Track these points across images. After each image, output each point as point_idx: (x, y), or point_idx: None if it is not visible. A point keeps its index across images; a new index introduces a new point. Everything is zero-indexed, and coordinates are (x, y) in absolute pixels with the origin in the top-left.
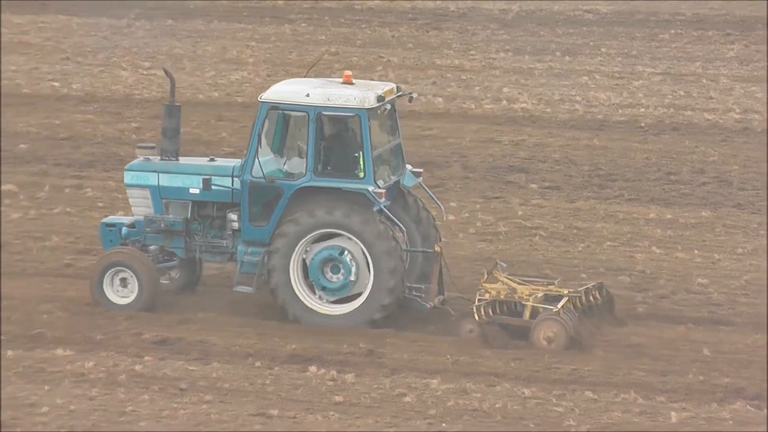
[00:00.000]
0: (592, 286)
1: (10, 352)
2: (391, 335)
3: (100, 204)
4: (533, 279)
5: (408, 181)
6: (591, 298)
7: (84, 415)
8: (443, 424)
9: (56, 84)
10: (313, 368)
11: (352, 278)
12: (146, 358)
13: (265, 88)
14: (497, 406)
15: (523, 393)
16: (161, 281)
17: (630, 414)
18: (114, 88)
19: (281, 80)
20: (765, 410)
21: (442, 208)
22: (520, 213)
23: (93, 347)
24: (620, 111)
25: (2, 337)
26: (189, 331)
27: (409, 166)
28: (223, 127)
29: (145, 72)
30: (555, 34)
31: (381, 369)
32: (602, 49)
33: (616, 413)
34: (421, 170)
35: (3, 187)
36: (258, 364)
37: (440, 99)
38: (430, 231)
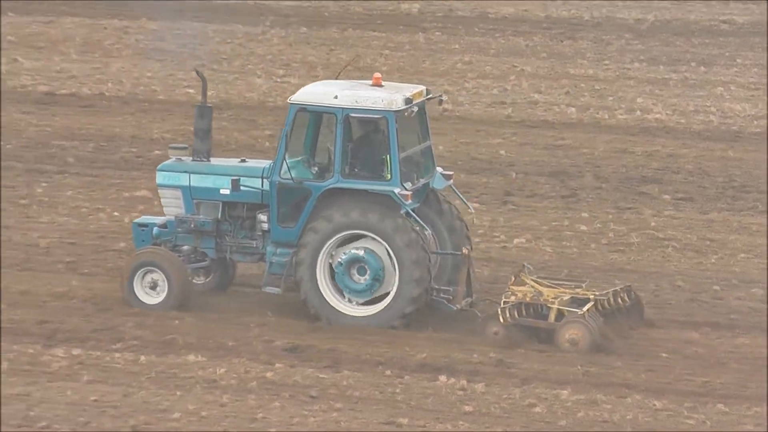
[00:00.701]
0: (621, 288)
1: (143, 358)
2: (522, 345)
3: None
4: (561, 282)
5: (438, 184)
6: (619, 300)
7: (215, 421)
8: None
9: (191, 91)
10: (443, 377)
11: (379, 279)
12: (277, 365)
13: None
14: (628, 417)
15: (654, 405)
16: (196, 281)
17: (762, 428)
18: (248, 95)
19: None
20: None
21: (472, 210)
22: (652, 224)
23: (225, 353)
24: (755, 122)
25: (135, 342)
26: (320, 338)
27: (439, 169)
28: None
29: (278, 80)
30: (690, 44)
31: (511, 379)
32: (738, 60)
33: (747, 426)
34: (451, 173)
35: (137, 193)
36: (388, 372)
37: (573, 109)
38: (462, 241)
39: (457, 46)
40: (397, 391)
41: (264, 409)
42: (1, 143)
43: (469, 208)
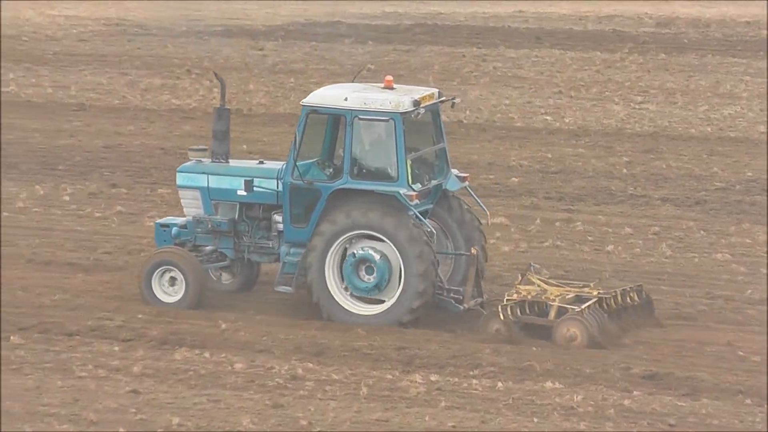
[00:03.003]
0: (630, 288)
1: (500, 384)
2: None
3: (590, 238)
4: (570, 282)
5: (452, 185)
6: (627, 299)
7: None
8: None
9: (548, 118)
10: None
11: (384, 280)
12: (635, 392)
13: (757, 123)
14: None
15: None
16: (221, 281)
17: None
18: (606, 122)
19: None
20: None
21: (487, 212)
22: None
23: (582, 380)
24: None
25: (492, 369)
26: (678, 365)
27: (455, 171)
28: (715, 162)
29: (636, 106)
30: None
31: None
32: None
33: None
34: (466, 174)
35: (495, 220)
36: (748, 401)
37: None
38: (473, 233)
39: None
40: (757, 420)
41: None
42: None
43: (483, 209)
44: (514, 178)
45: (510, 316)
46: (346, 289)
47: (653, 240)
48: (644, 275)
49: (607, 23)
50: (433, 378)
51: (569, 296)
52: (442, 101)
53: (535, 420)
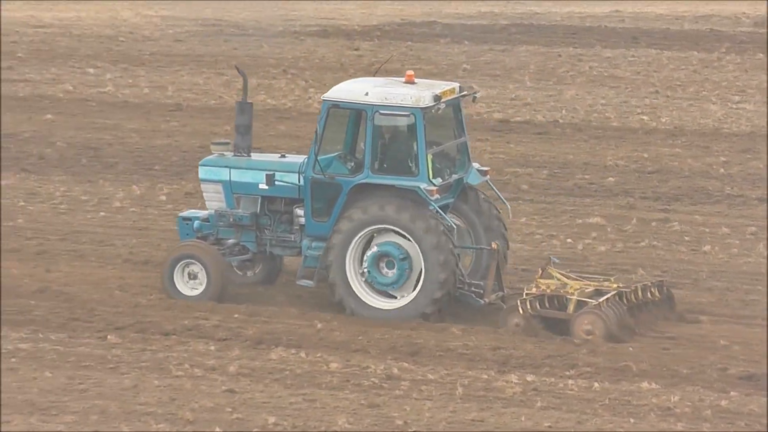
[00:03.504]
0: (651, 283)
1: (596, 384)
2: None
3: (686, 238)
4: (591, 276)
5: (473, 179)
6: (648, 294)
7: None
8: None
9: (645, 117)
10: None
11: (404, 276)
12: (732, 393)
13: None
14: None
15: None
16: (242, 274)
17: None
18: (702, 122)
19: None
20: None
21: (509, 207)
22: None
23: (679, 381)
24: None
25: (588, 369)
26: None
27: (476, 165)
28: None
29: (734, 106)
30: None
31: None
32: None
33: None
34: (487, 168)
35: (590, 220)
36: None
37: None
38: (492, 222)
39: None
40: None
41: None
42: None
43: (505, 203)
44: (610, 178)
45: (529, 310)
46: (362, 275)
47: (750, 240)
48: (741, 275)
49: (704, 23)
50: (528, 378)
51: (588, 290)
52: (463, 95)
53: (632, 420)
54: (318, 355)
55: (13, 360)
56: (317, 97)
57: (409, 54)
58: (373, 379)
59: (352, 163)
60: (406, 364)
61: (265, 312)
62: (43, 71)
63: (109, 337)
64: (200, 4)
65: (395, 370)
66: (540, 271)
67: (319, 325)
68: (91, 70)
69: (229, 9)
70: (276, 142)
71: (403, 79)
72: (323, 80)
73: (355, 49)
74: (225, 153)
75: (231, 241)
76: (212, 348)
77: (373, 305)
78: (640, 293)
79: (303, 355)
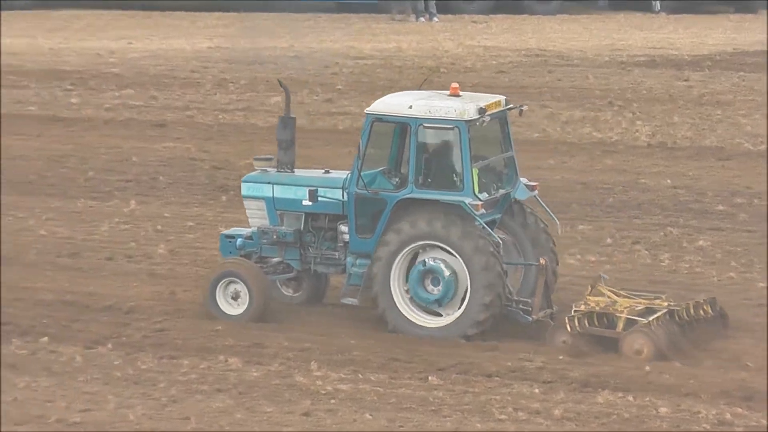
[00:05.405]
0: (703, 300)
1: None
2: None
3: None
4: (642, 293)
5: (521, 194)
6: (701, 311)
7: None
8: None
9: None
10: None
11: (449, 294)
12: None
13: None
14: None
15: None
16: (285, 294)
17: None
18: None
19: None
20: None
21: (557, 222)
22: None
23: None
24: None
25: None
26: None
27: (524, 179)
28: None
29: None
30: None
31: None
32: None
33: None
34: (536, 183)
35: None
36: None
37: None
38: (539, 235)
39: None
40: None
41: None
42: None
43: (553, 219)
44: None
45: (577, 328)
46: (406, 291)
47: None
48: None
49: None
50: None
51: (639, 308)
52: (509, 109)
53: None
54: (646, 399)
55: (332, 401)
56: (645, 129)
57: (741, 85)
58: (704, 425)
59: (397, 178)
60: (739, 410)
61: (590, 354)
62: (363, 103)
63: (430, 378)
64: (524, 33)
65: (728, 416)
66: (590, 288)
67: (647, 368)
68: None
69: (553, 39)
70: (602, 176)
71: (448, 92)
72: (651, 112)
73: (685, 80)
74: (268, 169)
75: (275, 259)
76: (536, 390)
77: (416, 322)
78: (692, 311)
79: (631, 398)
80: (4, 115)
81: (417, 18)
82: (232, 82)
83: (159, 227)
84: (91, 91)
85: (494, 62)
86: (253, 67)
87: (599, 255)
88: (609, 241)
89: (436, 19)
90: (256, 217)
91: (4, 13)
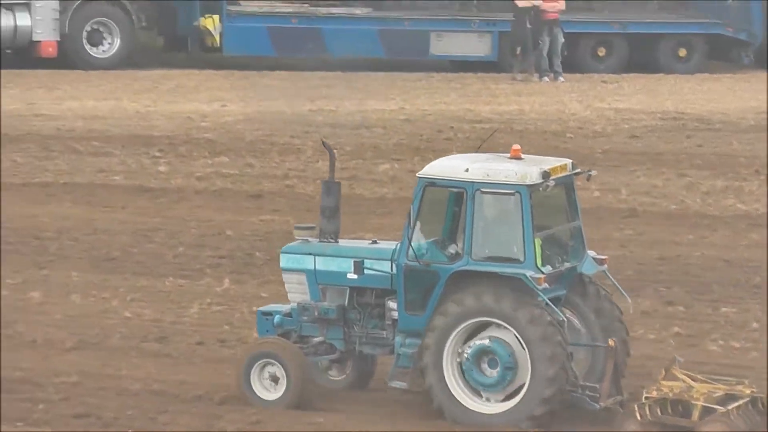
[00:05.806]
0: None
1: None
2: None
3: None
4: (722, 378)
5: (588, 269)
6: None
7: None
8: None
9: None
10: None
11: (509, 375)
12: None
13: None
14: None
15: None
16: (332, 377)
17: None
18: None
19: None
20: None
21: (629, 299)
22: None
23: None
24: None
25: None
26: None
27: (591, 252)
28: None
29: None
30: None
31: None
32: None
33: None
34: (605, 257)
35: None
36: None
37: None
38: (613, 324)
39: None
40: None
41: None
42: None
43: (624, 296)
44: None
45: (648, 416)
46: (488, 399)
47: None
48: None
49: None
50: None
51: (717, 394)
52: (576, 173)
53: None
54: None
55: None
56: None
57: None
58: None
59: (451, 249)
60: None
61: None
62: None
63: None
64: (660, 95)
65: None
66: (663, 372)
67: None
68: None
69: (692, 100)
70: (747, 253)
71: (509, 154)
72: None
73: None
74: (309, 239)
75: (317, 339)
76: None
77: (476, 410)
78: None
79: None
80: (87, 185)
81: (541, 77)
82: (336, 149)
83: (255, 309)
84: (181, 159)
85: (626, 126)
86: (359, 132)
87: (744, 341)
88: (755, 325)
89: (561, 78)
90: (296, 291)
91: (88, 74)
